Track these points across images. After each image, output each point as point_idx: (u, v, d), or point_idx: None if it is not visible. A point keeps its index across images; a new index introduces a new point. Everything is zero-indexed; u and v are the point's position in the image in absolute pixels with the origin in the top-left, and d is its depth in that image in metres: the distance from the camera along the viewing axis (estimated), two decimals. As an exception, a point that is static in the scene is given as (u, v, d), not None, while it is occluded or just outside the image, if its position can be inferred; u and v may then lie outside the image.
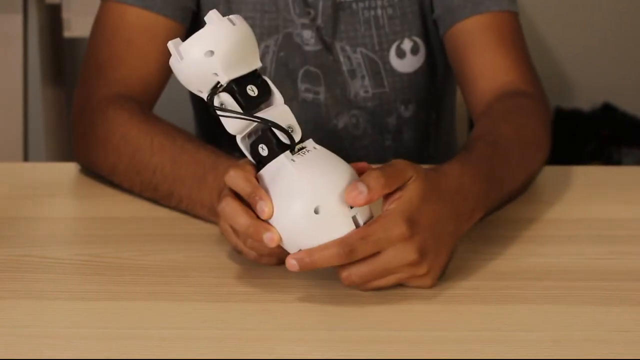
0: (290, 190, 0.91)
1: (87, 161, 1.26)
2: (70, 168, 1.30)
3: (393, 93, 1.39)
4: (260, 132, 0.94)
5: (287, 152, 0.93)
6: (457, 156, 1.06)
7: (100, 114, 1.22)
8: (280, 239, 0.92)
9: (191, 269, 1.02)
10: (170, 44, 0.95)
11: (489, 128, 1.16)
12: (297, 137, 0.94)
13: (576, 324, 0.92)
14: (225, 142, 1.44)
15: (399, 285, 0.96)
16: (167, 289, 0.98)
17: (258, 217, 0.93)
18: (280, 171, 0.92)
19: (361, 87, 1.38)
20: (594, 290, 0.98)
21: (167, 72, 1.30)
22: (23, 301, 0.96)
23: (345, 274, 0.93)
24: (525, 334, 0.90)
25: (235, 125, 0.95)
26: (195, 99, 1.52)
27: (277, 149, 0.93)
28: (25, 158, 2.33)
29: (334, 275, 0.96)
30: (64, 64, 2.50)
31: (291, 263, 0.91)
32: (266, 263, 0.99)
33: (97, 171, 1.24)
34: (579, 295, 0.97)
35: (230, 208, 0.95)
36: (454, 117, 1.57)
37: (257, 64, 0.96)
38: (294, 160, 0.92)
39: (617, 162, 2.45)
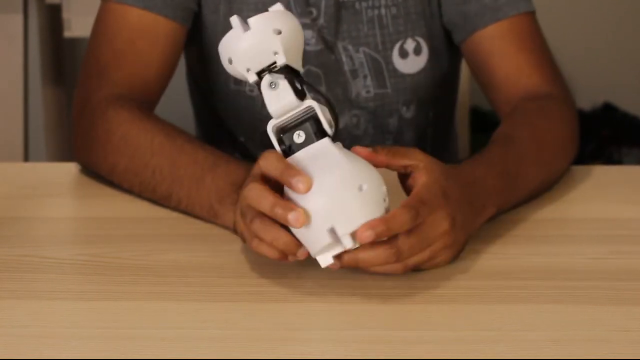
0: (333, 166, 0.93)
1: (87, 161, 1.26)
2: (70, 168, 1.29)
3: (395, 94, 1.39)
4: (296, 122, 0.96)
5: (328, 138, 0.95)
6: (470, 157, 1.10)
7: (101, 114, 1.22)
8: (305, 220, 0.92)
9: (192, 269, 1.02)
10: (235, 17, 0.97)
11: (505, 130, 1.19)
12: (333, 130, 0.96)
13: (576, 324, 0.92)
14: (225, 143, 1.44)
15: (399, 285, 0.96)
16: (168, 289, 0.98)
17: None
18: (322, 151, 0.94)
19: (363, 87, 1.38)
20: (594, 290, 0.98)
21: (168, 73, 1.30)
22: (22, 301, 0.96)
23: (393, 249, 0.93)
24: (525, 333, 0.90)
25: (281, 102, 0.96)
26: (195, 99, 1.51)
27: (319, 134, 0.95)
28: (25, 158, 2.32)
29: (334, 275, 0.96)
30: (64, 64, 2.50)
31: (366, 235, 0.91)
32: (265, 253, 0.97)
33: (97, 171, 1.24)
34: (579, 295, 0.97)
35: (255, 190, 0.95)
36: (455, 118, 1.57)
37: (301, 69, 0.99)
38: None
39: (618, 162, 2.45)
